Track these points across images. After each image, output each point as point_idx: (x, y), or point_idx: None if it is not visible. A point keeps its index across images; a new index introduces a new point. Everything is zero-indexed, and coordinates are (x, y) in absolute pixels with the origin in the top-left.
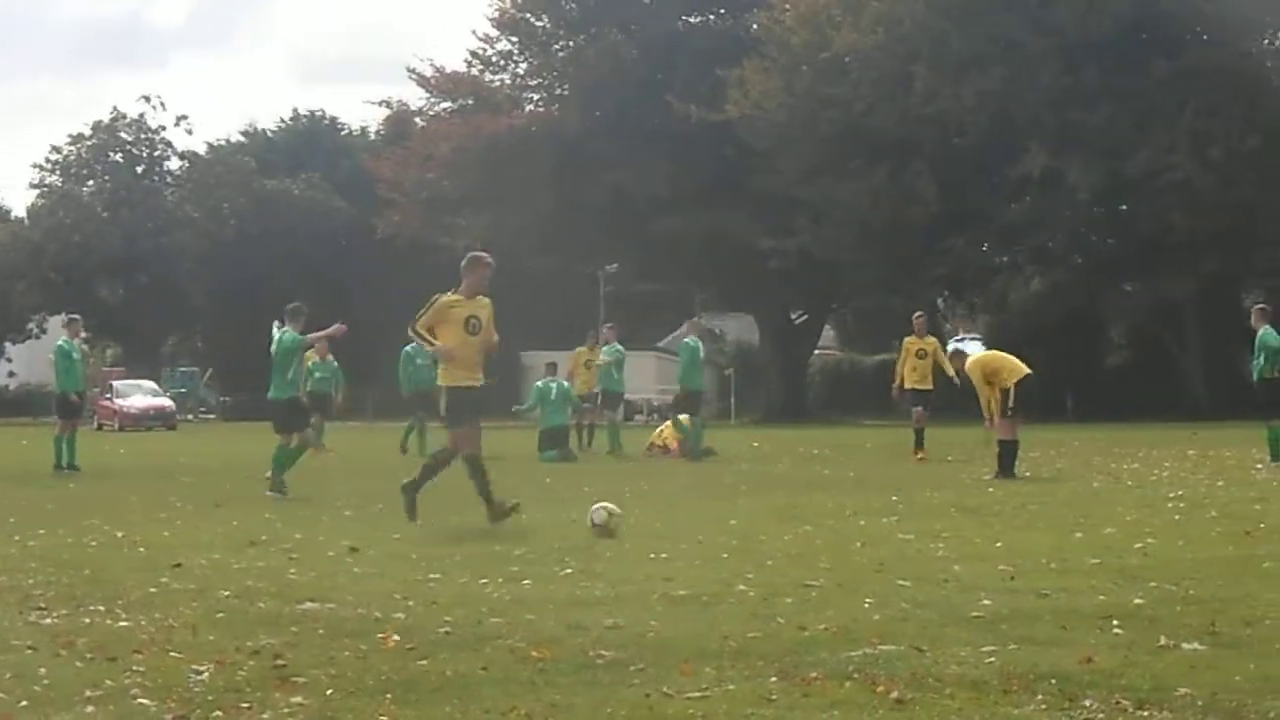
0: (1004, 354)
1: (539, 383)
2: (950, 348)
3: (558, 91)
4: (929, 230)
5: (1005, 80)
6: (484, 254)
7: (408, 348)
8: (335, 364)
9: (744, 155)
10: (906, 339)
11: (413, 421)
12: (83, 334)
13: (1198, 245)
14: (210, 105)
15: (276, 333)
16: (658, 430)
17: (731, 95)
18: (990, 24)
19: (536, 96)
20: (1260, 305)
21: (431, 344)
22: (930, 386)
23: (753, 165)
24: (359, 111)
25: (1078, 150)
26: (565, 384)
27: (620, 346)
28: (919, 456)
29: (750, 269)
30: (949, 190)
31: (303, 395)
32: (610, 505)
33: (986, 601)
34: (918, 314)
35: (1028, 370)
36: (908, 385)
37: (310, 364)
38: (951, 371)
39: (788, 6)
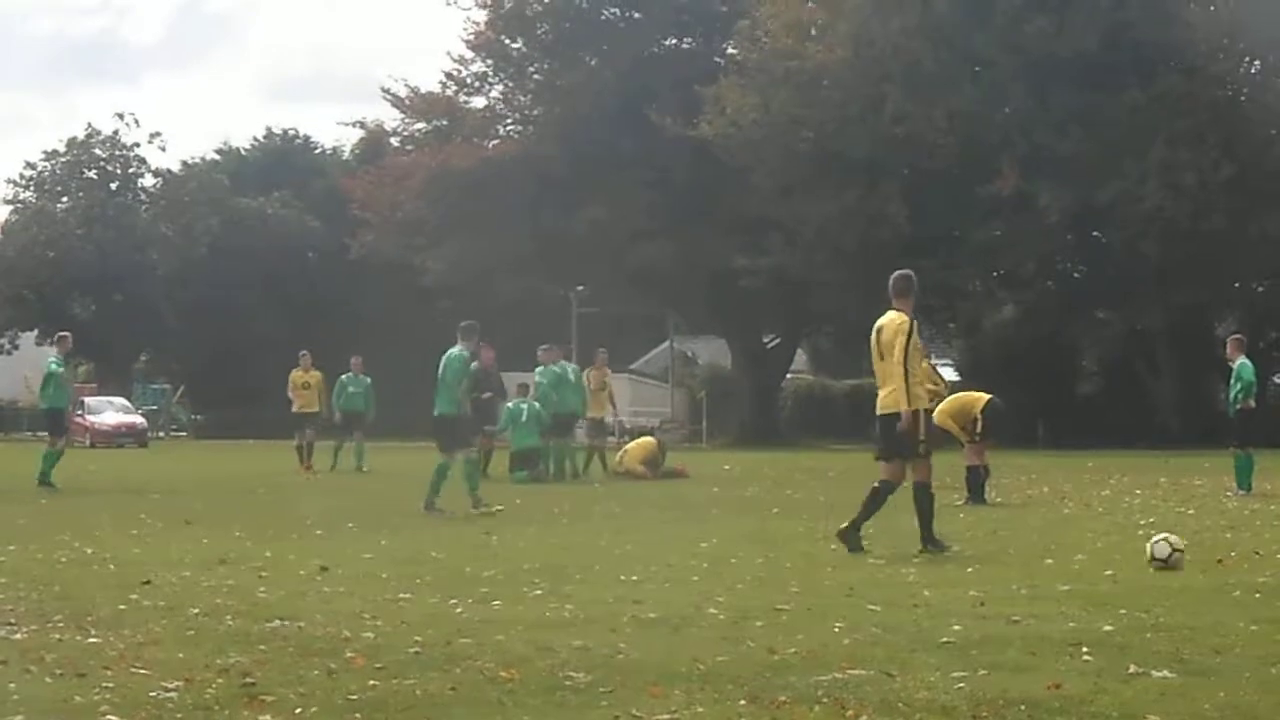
0: (963, 393)
1: (509, 404)
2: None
3: (533, 114)
4: (900, 252)
5: (976, 101)
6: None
7: (343, 376)
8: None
9: (719, 176)
10: None
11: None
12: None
13: (1170, 275)
14: (184, 123)
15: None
16: (619, 454)
17: (708, 112)
18: (961, 44)
19: (511, 119)
20: (1236, 335)
21: (909, 399)
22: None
23: (728, 185)
24: (332, 131)
25: (1049, 174)
26: (536, 405)
27: (557, 369)
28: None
29: (723, 292)
30: (920, 212)
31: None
32: (1173, 538)
33: (956, 627)
34: None
35: (988, 396)
36: None
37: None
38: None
39: (769, 19)
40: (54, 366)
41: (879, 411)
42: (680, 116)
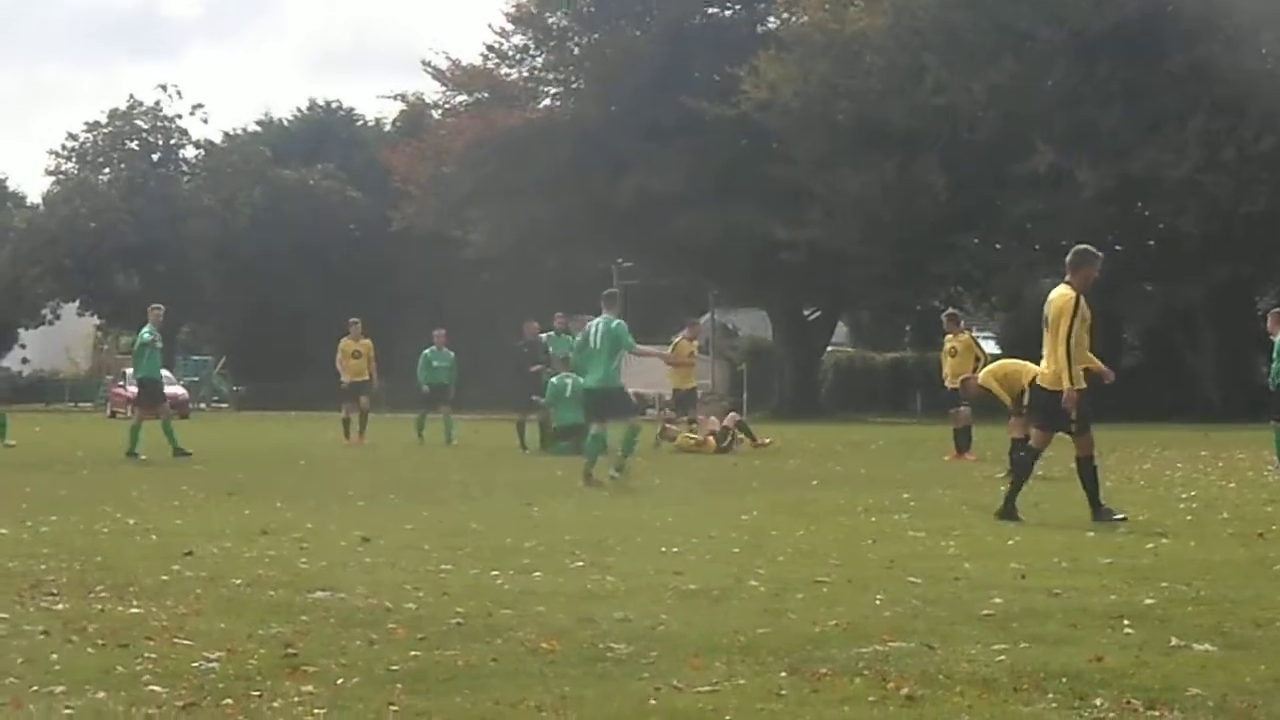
0: (1013, 360)
1: (554, 378)
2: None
3: (573, 86)
4: (939, 225)
5: (1015, 75)
6: (1091, 247)
7: (425, 350)
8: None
9: (759, 146)
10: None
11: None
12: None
13: (1210, 249)
14: (225, 95)
15: (595, 322)
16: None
17: (746, 84)
18: (1001, 14)
19: (552, 91)
20: (1277, 309)
21: (1071, 380)
22: None
23: (768, 156)
24: (374, 103)
25: (1087, 148)
26: (582, 380)
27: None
28: (951, 458)
29: (764, 264)
30: (959, 185)
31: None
32: None
33: (997, 600)
34: (948, 311)
35: (1036, 369)
36: (948, 385)
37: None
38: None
39: None
40: (146, 336)
41: (1037, 381)
42: (720, 88)
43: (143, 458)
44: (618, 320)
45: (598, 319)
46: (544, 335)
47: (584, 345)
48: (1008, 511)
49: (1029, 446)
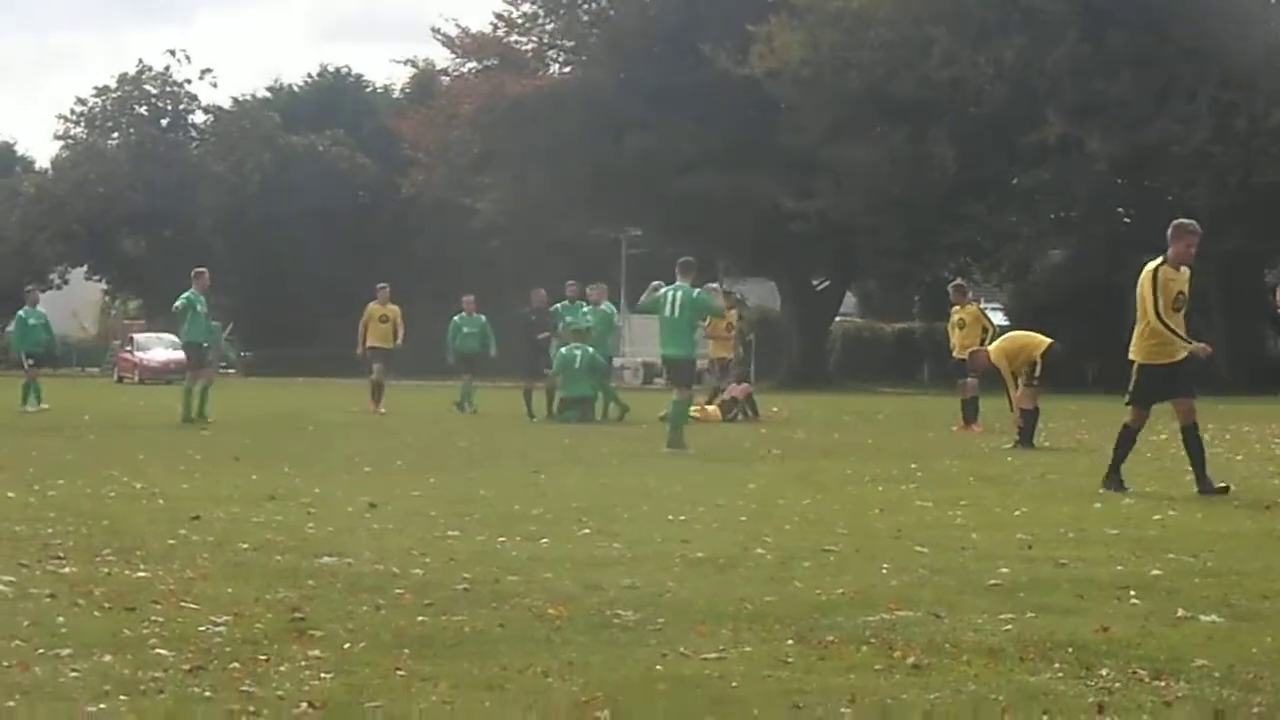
0: (1022, 332)
1: (563, 349)
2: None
3: (583, 49)
4: (948, 197)
5: (1024, 48)
6: (1188, 220)
7: (455, 317)
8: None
9: (768, 114)
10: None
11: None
12: (208, 286)
13: (1220, 222)
14: (235, 61)
15: (671, 290)
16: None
17: (757, 50)
18: None
19: (562, 57)
20: None
21: (1180, 337)
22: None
23: (777, 124)
24: (384, 69)
25: (1097, 119)
26: (591, 351)
27: (606, 308)
28: (959, 428)
29: (773, 234)
30: (968, 157)
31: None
32: None
33: (1004, 569)
34: (955, 282)
35: (1050, 340)
36: (956, 356)
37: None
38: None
39: None
40: (188, 298)
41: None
42: (731, 53)
43: (211, 420)
44: (699, 290)
45: (672, 287)
46: (558, 305)
47: (656, 311)
48: (1113, 481)
49: (1126, 424)
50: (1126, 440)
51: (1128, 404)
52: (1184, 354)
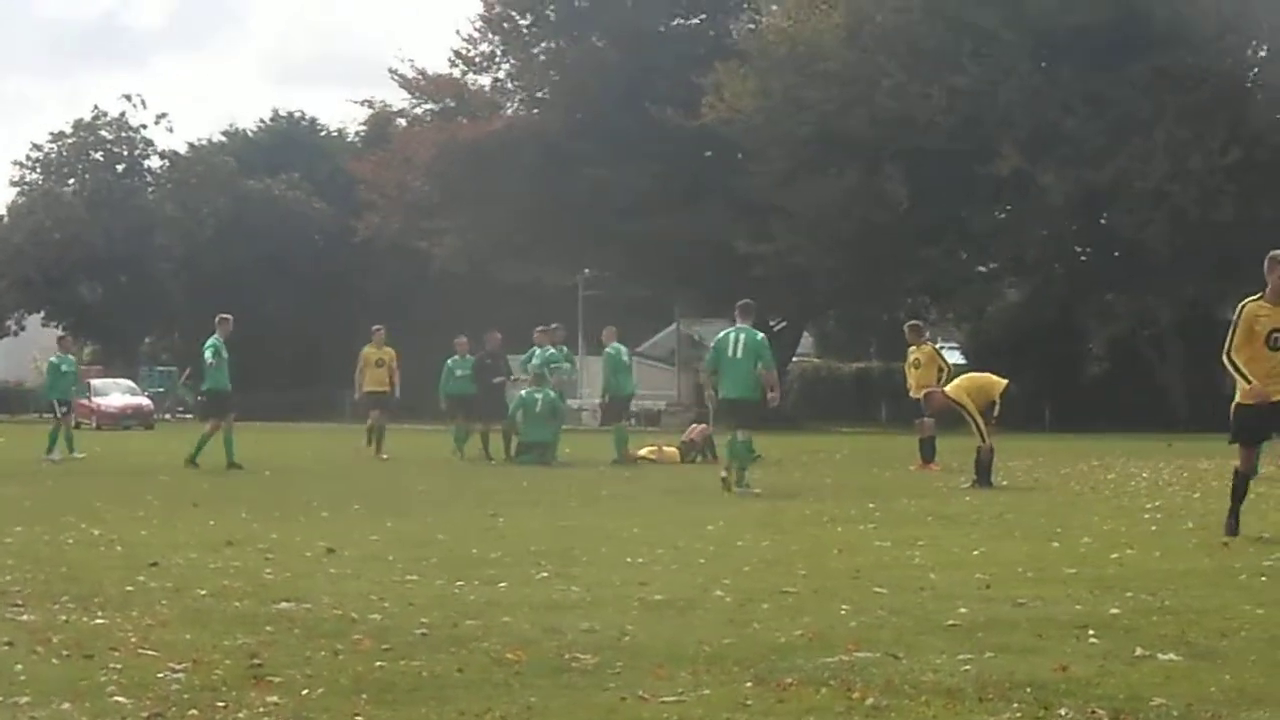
0: (981, 374)
1: (522, 391)
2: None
3: (539, 94)
4: (904, 237)
5: (977, 78)
6: None
7: (449, 360)
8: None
9: (724, 157)
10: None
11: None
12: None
13: (1177, 261)
14: (189, 106)
15: (735, 333)
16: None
17: (708, 100)
18: (962, 18)
19: (518, 97)
20: None
21: (1243, 376)
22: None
23: (732, 168)
24: (338, 112)
25: (1051, 154)
26: (552, 395)
27: (612, 350)
28: (916, 467)
29: (729, 275)
30: (923, 196)
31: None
32: None
33: (963, 609)
34: (910, 322)
35: (1005, 381)
36: (912, 396)
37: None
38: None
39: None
40: (214, 345)
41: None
42: (683, 99)
43: (242, 467)
44: (761, 334)
45: (733, 330)
46: (536, 350)
47: (719, 355)
48: (1231, 527)
49: (1236, 468)
50: (1237, 485)
51: (1231, 443)
52: None
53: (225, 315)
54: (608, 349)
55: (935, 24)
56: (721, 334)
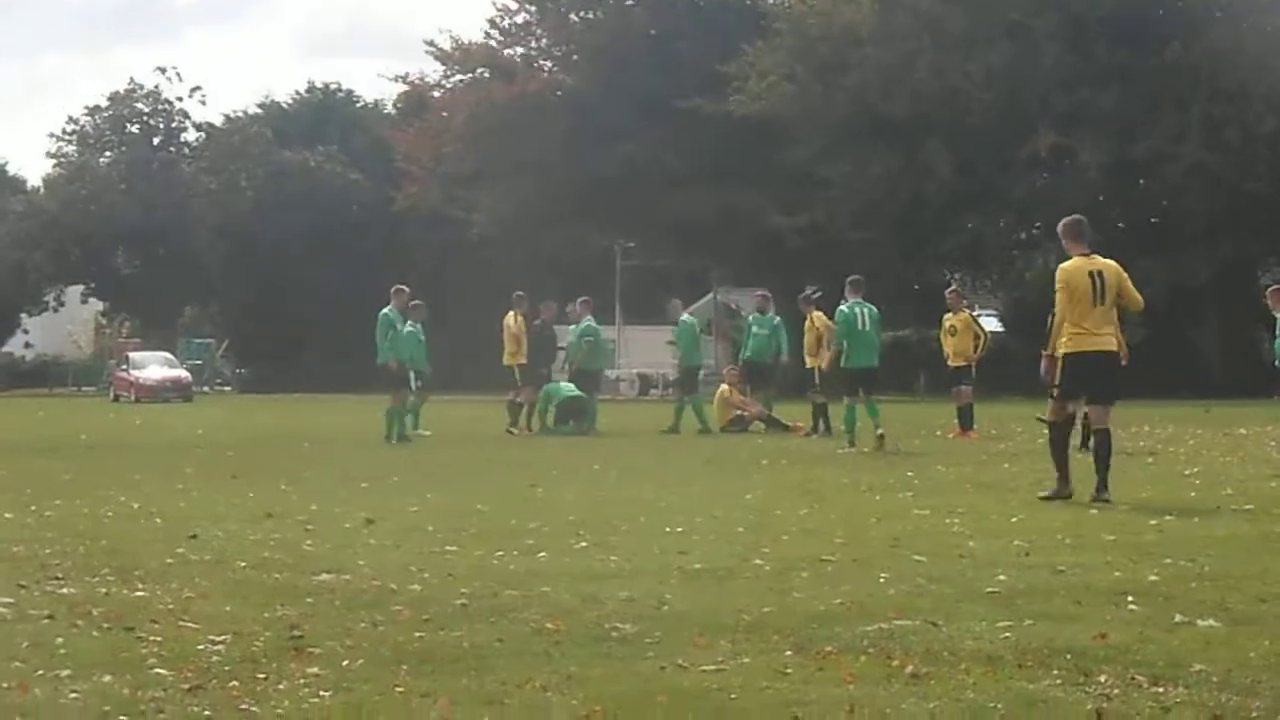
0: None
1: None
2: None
3: (574, 59)
4: (944, 207)
5: (1013, 58)
6: None
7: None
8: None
9: (757, 129)
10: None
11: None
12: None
13: (1214, 226)
14: (224, 79)
15: (859, 307)
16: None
17: (736, 82)
18: (992, 6)
19: (552, 65)
20: (1275, 287)
21: None
22: (965, 363)
23: (766, 140)
24: (373, 84)
25: (1088, 131)
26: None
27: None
28: (955, 435)
29: (766, 245)
30: (963, 168)
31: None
32: None
33: (1002, 577)
34: (951, 288)
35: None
36: (949, 363)
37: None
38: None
39: None
40: (387, 315)
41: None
42: (716, 75)
43: (427, 433)
44: (866, 306)
45: (854, 304)
46: (584, 322)
47: (850, 328)
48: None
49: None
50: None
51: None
52: None
53: (401, 287)
54: (682, 317)
55: (967, 11)
56: (844, 308)
